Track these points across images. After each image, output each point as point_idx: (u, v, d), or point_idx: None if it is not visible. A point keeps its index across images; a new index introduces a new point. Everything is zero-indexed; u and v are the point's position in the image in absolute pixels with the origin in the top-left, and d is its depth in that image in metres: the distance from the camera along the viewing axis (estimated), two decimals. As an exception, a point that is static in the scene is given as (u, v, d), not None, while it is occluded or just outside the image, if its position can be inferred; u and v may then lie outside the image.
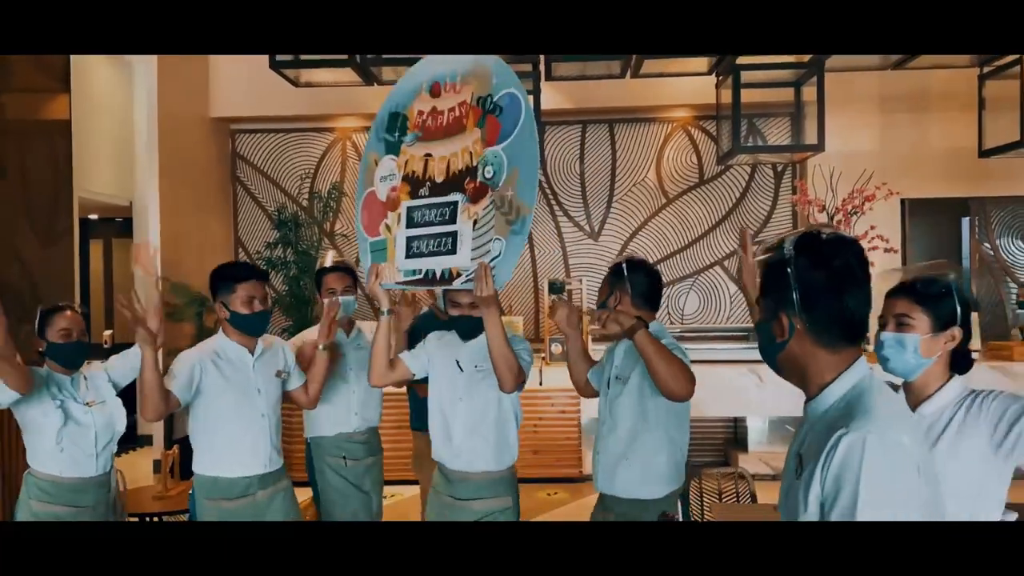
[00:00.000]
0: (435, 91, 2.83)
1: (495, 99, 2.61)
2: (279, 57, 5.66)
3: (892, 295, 2.03)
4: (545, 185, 8.11)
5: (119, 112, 7.91)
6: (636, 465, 2.66)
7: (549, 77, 6.04)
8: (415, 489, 4.47)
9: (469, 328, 2.85)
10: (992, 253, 7.86)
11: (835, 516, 1.30)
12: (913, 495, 1.31)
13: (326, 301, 3.36)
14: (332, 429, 3.47)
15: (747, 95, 6.29)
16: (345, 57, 5.49)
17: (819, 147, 5.89)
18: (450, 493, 2.85)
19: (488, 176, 2.60)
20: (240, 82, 7.84)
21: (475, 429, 2.84)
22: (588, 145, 8.21)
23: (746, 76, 5.94)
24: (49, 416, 2.80)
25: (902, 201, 7.72)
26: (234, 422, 2.89)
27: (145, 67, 7.14)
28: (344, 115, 8.07)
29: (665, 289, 7.54)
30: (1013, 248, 7.85)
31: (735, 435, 7.35)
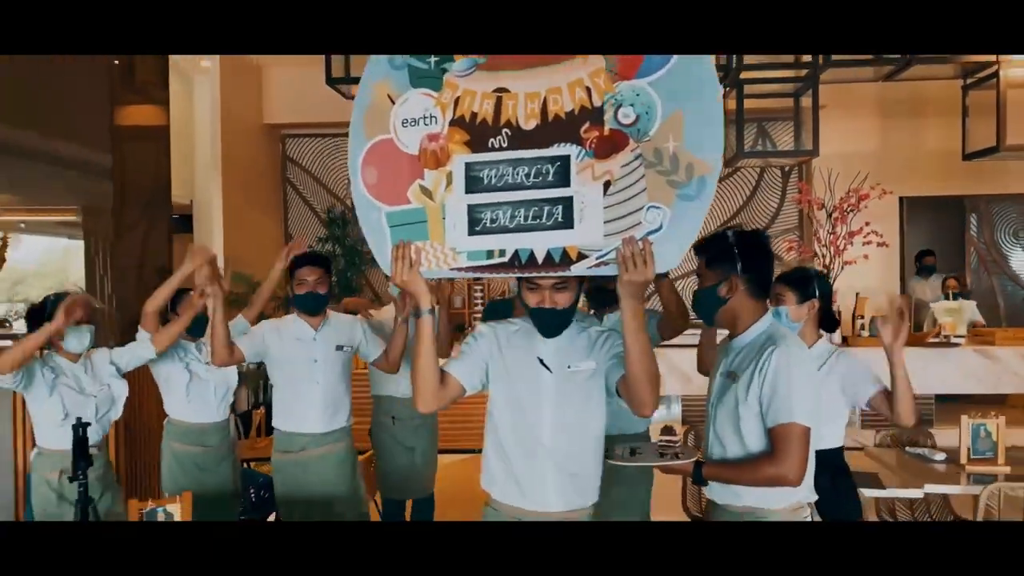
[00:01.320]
0: None
1: None
2: (334, 74, 6.37)
3: (775, 282, 2.64)
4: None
5: (179, 119, 8.69)
6: None
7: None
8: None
9: (554, 323, 2.14)
10: (986, 247, 8.44)
11: (776, 402, 1.97)
12: (816, 386, 2.05)
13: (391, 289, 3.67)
14: (383, 391, 4.03)
15: (755, 103, 6.94)
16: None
17: (814, 152, 6.52)
18: None
19: (626, 122, 1.96)
20: (290, 91, 8.58)
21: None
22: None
23: (749, 87, 6.57)
24: (179, 373, 3.53)
25: (900, 199, 8.35)
26: (289, 387, 3.40)
27: (208, 78, 7.90)
28: (385, 121, 8.78)
29: (680, 282, 8.21)
30: (1005, 242, 8.42)
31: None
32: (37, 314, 3.00)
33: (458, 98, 2.11)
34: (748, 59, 6.22)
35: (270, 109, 8.76)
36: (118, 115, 4.44)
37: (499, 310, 3.53)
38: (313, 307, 3.38)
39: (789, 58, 6.58)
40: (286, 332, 3.40)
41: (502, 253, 2.07)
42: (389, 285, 3.81)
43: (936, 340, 6.42)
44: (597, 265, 1.98)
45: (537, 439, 2.11)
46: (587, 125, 1.99)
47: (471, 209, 2.08)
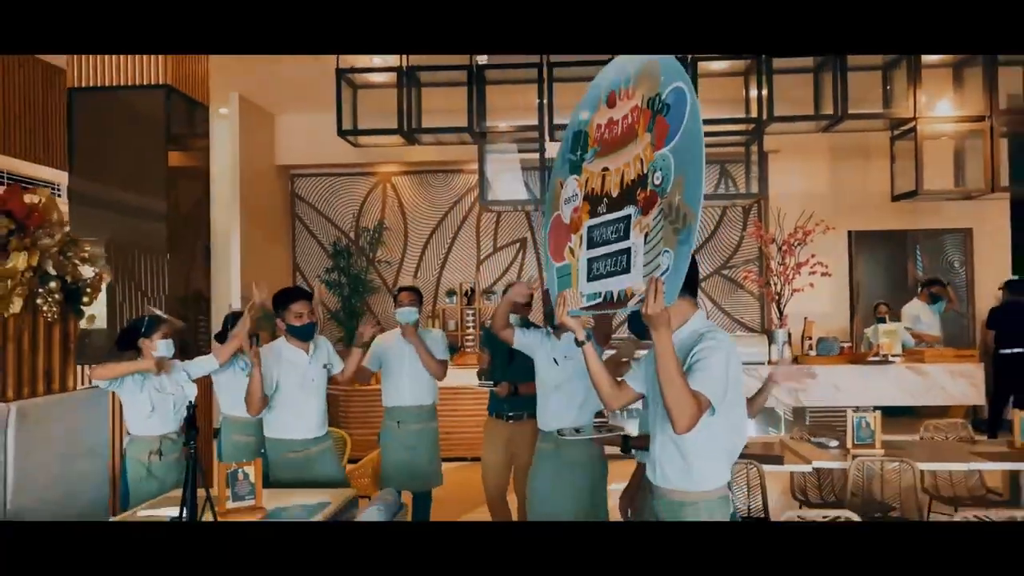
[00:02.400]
0: (611, 101, 2.64)
1: (663, 97, 2.35)
2: (345, 127, 7.30)
3: None
4: (544, 224, 9.70)
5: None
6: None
7: (553, 137, 7.61)
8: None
9: None
10: (923, 274, 9.41)
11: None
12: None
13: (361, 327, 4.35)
14: (390, 402, 4.74)
15: (715, 150, 7.90)
16: (395, 127, 7.16)
17: (761, 194, 7.43)
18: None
19: (657, 183, 2.33)
20: (300, 135, 9.51)
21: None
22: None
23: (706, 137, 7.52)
24: (237, 378, 4.36)
25: (848, 233, 9.34)
26: (293, 403, 4.04)
27: (227, 124, 8.81)
28: (384, 162, 9.72)
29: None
30: (938, 271, 9.39)
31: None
32: (130, 332, 3.87)
33: (587, 179, 2.73)
34: (703, 113, 7.19)
35: (281, 151, 9.68)
36: (171, 160, 5.30)
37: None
38: (307, 334, 4.05)
39: (740, 111, 7.57)
40: (284, 359, 4.04)
41: (601, 295, 2.57)
42: (395, 312, 4.65)
43: (875, 359, 7.25)
44: (638, 302, 2.31)
45: None
46: (639, 189, 2.41)
47: (589, 262, 2.64)
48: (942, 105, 7.66)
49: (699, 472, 2.35)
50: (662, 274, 2.23)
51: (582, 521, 2.61)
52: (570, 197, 2.81)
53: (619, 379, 2.63)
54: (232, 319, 4.36)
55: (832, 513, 3.05)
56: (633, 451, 2.99)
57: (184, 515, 2.46)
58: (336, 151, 9.17)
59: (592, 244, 2.64)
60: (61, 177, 6.44)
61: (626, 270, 2.43)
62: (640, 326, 3.33)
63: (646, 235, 2.35)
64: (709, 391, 2.26)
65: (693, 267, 2.45)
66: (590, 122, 2.76)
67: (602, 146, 2.66)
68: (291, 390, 4.02)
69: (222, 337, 4.50)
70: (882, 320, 7.96)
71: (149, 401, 3.79)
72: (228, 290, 8.70)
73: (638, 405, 3.00)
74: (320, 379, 4.13)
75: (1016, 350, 7.32)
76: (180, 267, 5.25)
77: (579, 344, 2.56)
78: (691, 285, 2.46)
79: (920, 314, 8.20)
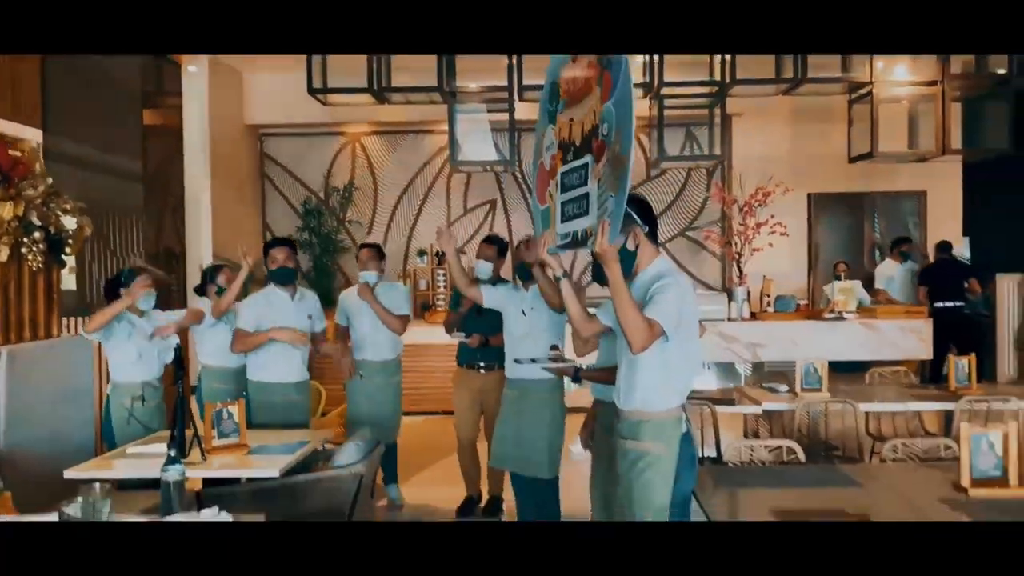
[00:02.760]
0: (574, 55, 2.84)
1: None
2: (315, 85, 7.37)
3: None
4: (522, 182, 9.89)
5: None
6: None
7: (522, 98, 7.74)
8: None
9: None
10: (881, 236, 9.77)
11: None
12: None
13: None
14: (358, 356, 4.85)
15: (680, 112, 8.10)
16: (365, 86, 7.24)
17: (722, 157, 7.66)
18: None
19: (605, 134, 2.53)
20: (269, 94, 9.50)
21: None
22: (557, 148, 9.97)
23: (673, 100, 7.73)
24: (216, 329, 4.50)
25: (808, 195, 9.63)
26: (277, 346, 4.22)
27: (195, 82, 8.77)
28: (354, 122, 9.77)
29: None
30: (893, 232, 9.74)
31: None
32: (114, 283, 4.00)
33: (559, 128, 2.95)
34: (668, 76, 7.38)
35: (251, 111, 9.67)
36: (145, 119, 5.36)
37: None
38: (285, 278, 4.29)
39: (704, 74, 7.76)
40: (270, 302, 4.28)
41: (567, 235, 2.82)
42: (359, 273, 4.77)
43: (831, 316, 7.57)
44: (587, 240, 2.61)
45: None
46: (594, 138, 2.64)
47: (562, 205, 2.88)
48: (898, 70, 7.91)
49: (656, 395, 2.60)
50: (608, 216, 2.47)
51: (578, 521, 2.81)
52: (548, 145, 3.05)
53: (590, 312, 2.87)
54: (211, 272, 4.50)
55: (777, 442, 3.32)
56: (582, 381, 3.33)
57: (173, 451, 2.62)
58: (305, 110, 9.19)
59: (564, 189, 2.87)
60: (35, 136, 6.45)
61: (586, 212, 2.66)
62: (601, 275, 3.68)
63: (599, 181, 2.58)
64: (662, 319, 2.49)
65: (652, 217, 2.72)
66: (560, 75, 2.97)
67: (569, 98, 2.87)
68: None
69: (201, 290, 4.63)
70: (842, 278, 8.28)
71: (135, 349, 3.94)
72: (199, 249, 8.75)
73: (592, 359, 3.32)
74: (301, 327, 4.30)
75: (948, 304, 7.71)
76: (153, 226, 5.35)
77: (557, 279, 2.82)
78: (652, 233, 2.69)
79: (893, 274, 8.51)
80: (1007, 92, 7.83)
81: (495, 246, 4.53)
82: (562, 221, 2.85)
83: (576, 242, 2.74)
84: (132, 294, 3.84)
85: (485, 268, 4.43)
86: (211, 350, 4.58)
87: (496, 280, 4.40)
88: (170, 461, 2.53)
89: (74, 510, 2.25)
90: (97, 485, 2.35)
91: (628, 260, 2.65)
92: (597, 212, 2.56)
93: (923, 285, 7.93)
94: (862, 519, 2.33)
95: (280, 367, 4.24)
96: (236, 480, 3.39)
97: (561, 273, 2.82)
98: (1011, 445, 2.68)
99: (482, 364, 4.68)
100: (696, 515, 2.67)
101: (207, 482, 3.43)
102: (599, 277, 3.51)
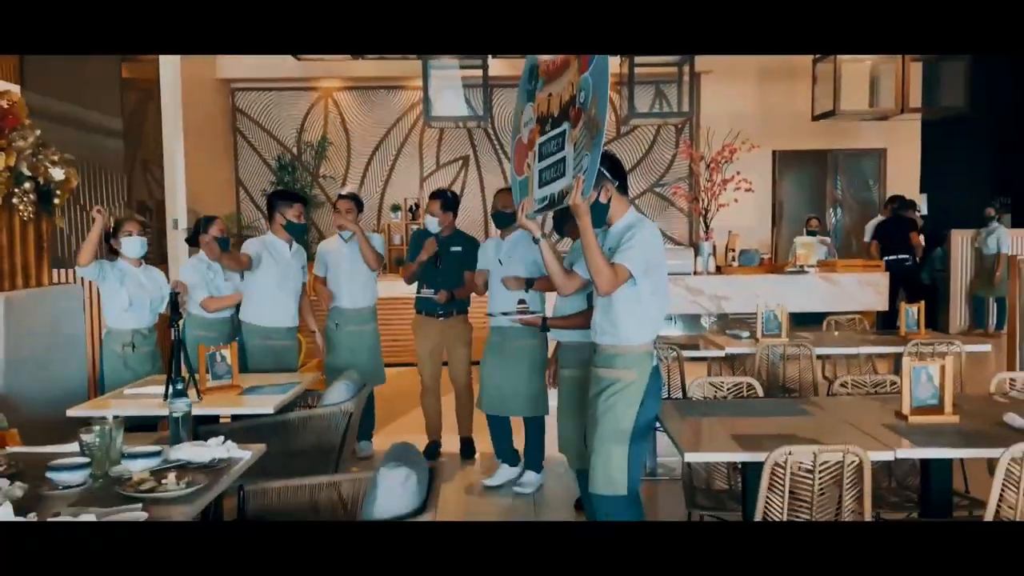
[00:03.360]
0: None
1: None
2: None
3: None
4: (495, 139, 10.01)
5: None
6: None
7: (495, 55, 7.85)
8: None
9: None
10: (842, 193, 10.08)
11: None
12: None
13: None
14: (334, 303, 5.03)
15: (651, 69, 8.26)
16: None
17: (690, 114, 7.85)
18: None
19: (582, 101, 2.76)
20: (241, 49, 9.46)
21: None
22: (529, 105, 10.10)
23: (641, 57, 7.87)
24: (202, 278, 4.62)
25: (773, 153, 9.90)
26: (273, 291, 4.45)
27: (167, 38, 8.75)
28: (327, 77, 9.79)
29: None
30: (853, 188, 10.06)
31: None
32: (106, 236, 4.13)
33: (538, 104, 3.17)
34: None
35: (221, 65, 9.65)
36: (123, 74, 5.40)
37: (420, 236, 4.96)
38: (302, 233, 4.57)
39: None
40: (272, 248, 4.48)
41: (544, 199, 2.99)
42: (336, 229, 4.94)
43: (792, 269, 7.86)
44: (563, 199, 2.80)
45: None
46: (571, 107, 2.84)
47: (539, 172, 3.06)
48: (861, 30, 8.12)
49: (627, 331, 2.83)
50: (583, 172, 2.67)
51: (573, 521, 3.07)
52: (527, 121, 3.27)
53: (568, 269, 3.14)
54: (204, 223, 4.60)
55: (738, 380, 3.58)
56: (550, 329, 3.68)
57: (179, 385, 2.80)
58: (277, 65, 9.22)
59: (541, 157, 3.08)
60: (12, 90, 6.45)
61: (563, 175, 2.86)
62: (560, 225, 3.87)
63: (575, 144, 2.79)
64: (630, 264, 2.74)
65: (622, 172, 2.96)
66: (540, 57, 3.21)
67: (548, 76, 3.13)
68: (272, 279, 4.41)
69: (193, 240, 4.75)
70: (813, 233, 8.58)
71: (127, 296, 4.07)
72: (174, 203, 8.77)
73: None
74: (298, 274, 4.55)
75: (899, 256, 8.10)
76: (126, 180, 5.43)
77: (536, 241, 2.99)
78: (623, 187, 2.92)
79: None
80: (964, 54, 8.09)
81: (438, 200, 4.84)
82: (540, 187, 3.04)
83: (553, 203, 2.92)
84: (99, 217, 3.86)
85: (432, 222, 4.80)
86: (195, 298, 4.69)
87: (462, 239, 4.86)
88: (176, 395, 2.71)
89: (91, 438, 2.43)
90: (111, 416, 2.53)
91: (601, 212, 2.86)
92: (573, 172, 2.77)
93: (876, 240, 8.27)
94: (813, 441, 2.58)
95: (277, 311, 4.46)
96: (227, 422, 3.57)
97: (540, 235, 2.97)
98: (947, 377, 2.95)
99: (440, 311, 4.89)
100: (661, 440, 2.90)
101: (201, 421, 3.60)
102: (560, 228, 3.83)
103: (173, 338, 3.27)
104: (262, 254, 4.44)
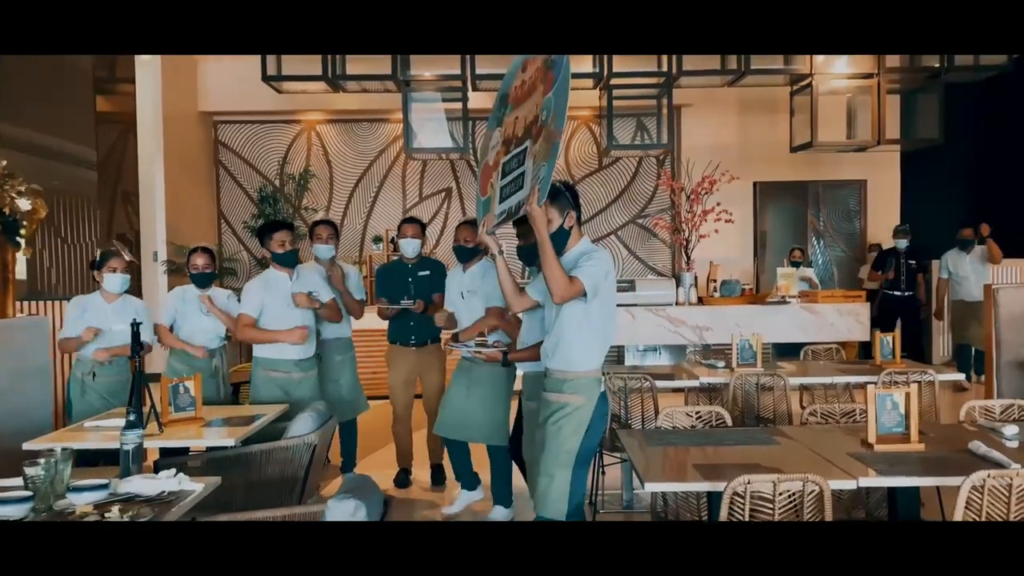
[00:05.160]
0: (525, 66, 3.21)
1: (552, 57, 2.92)
2: (269, 72, 7.43)
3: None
4: (477, 167, 10.04)
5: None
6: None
7: (475, 88, 7.93)
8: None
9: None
10: (823, 223, 10.13)
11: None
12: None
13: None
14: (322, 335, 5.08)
15: (630, 103, 8.32)
16: (320, 73, 7.33)
17: (668, 146, 7.91)
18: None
19: (544, 118, 2.88)
20: (223, 82, 9.51)
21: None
22: (511, 137, 10.16)
23: (622, 91, 7.95)
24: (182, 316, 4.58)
25: (754, 184, 9.95)
26: (277, 325, 4.33)
27: (150, 70, 8.76)
28: (309, 110, 9.83)
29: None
30: (835, 219, 10.11)
31: (618, 358, 9.44)
32: (93, 265, 4.11)
33: (504, 128, 3.30)
34: (617, 68, 7.60)
35: (204, 98, 9.68)
36: (98, 107, 5.40)
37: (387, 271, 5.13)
38: (290, 261, 4.45)
39: (652, 66, 7.99)
40: (271, 284, 4.41)
41: (503, 212, 3.07)
42: (312, 247, 4.92)
43: (774, 300, 7.87)
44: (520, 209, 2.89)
45: None
46: (534, 127, 2.97)
47: (501, 189, 3.16)
48: (837, 63, 8.23)
49: (578, 356, 2.90)
50: (539, 182, 2.77)
51: (571, 521, 2.97)
52: (494, 144, 3.39)
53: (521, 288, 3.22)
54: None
55: (707, 409, 3.55)
56: (511, 364, 3.80)
57: (132, 416, 2.75)
58: (260, 98, 9.24)
59: (504, 174, 3.18)
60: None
61: (522, 187, 2.95)
62: (528, 257, 3.77)
63: (534, 158, 2.90)
64: (584, 279, 2.82)
65: (577, 201, 3.02)
66: (511, 86, 3.35)
67: (516, 102, 3.27)
68: (275, 313, 4.34)
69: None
70: (796, 264, 8.58)
71: (81, 327, 4.03)
72: (153, 236, 8.75)
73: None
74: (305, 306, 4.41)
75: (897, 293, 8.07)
76: (105, 212, 5.40)
77: (493, 257, 3.10)
78: (578, 218, 3.01)
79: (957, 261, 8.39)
80: (938, 85, 8.19)
81: (416, 224, 4.97)
82: (500, 202, 3.12)
83: (511, 215, 2.99)
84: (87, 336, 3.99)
85: (414, 244, 4.91)
86: (187, 333, 4.59)
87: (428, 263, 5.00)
88: (129, 426, 2.66)
89: (35, 471, 2.37)
90: (58, 449, 2.47)
91: (563, 238, 2.96)
92: (531, 181, 2.86)
93: (877, 269, 8.23)
94: (775, 470, 2.55)
95: (282, 345, 4.38)
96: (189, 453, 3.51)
97: (497, 251, 3.07)
98: (912, 404, 2.93)
99: (413, 339, 4.87)
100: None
101: (170, 453, 3.54)
102: (525, 258, 3.75)
103: (135, 369, 3.22)
104: (262, 290, 4.38)
